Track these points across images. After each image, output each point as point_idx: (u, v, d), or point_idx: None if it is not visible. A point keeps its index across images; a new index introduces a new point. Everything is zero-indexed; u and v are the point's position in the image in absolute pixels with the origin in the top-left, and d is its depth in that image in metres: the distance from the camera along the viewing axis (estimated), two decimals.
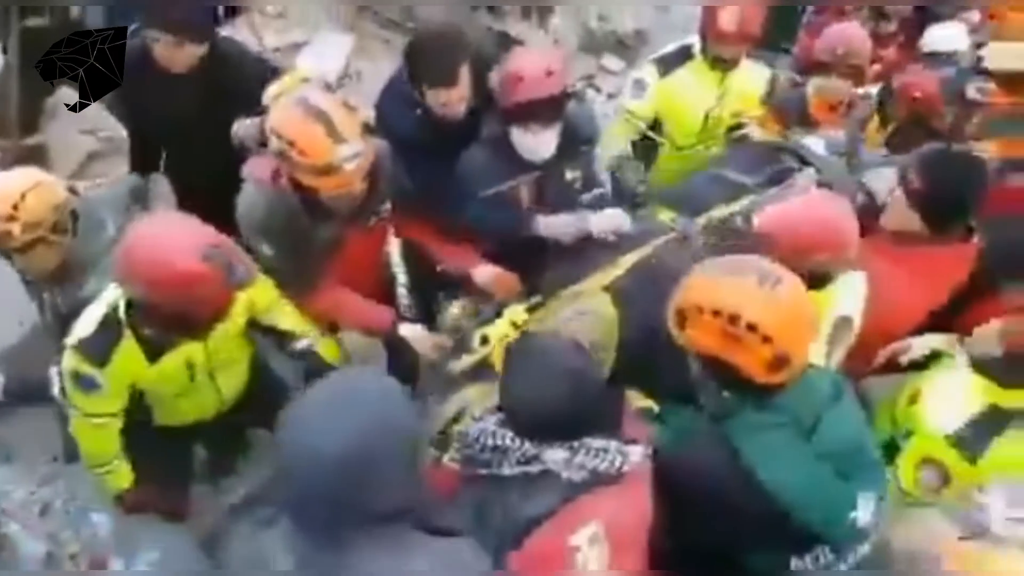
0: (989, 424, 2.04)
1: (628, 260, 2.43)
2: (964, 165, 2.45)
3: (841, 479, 1.68)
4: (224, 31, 3.64)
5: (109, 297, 2.14)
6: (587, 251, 2.57)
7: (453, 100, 2.60)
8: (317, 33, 6.29)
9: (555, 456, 1.61)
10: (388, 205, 2.57)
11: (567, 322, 2.35)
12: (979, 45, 3.89)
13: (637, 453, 1.67)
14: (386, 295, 2.80)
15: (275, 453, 1.37)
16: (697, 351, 1.72)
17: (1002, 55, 3.41)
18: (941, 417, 2.11)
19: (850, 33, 3.31)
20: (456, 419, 2.21)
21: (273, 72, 2.94)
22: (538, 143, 2.53)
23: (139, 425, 2.36)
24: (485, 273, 2.56)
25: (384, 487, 1.26)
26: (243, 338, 2.41)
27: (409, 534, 1.31)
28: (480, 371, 2.44)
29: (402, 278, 2.85)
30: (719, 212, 2.50)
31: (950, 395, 2.14)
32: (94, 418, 2.24)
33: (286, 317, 2.41)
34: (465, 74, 2.57)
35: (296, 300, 2.43)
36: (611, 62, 6.37)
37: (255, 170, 2.33)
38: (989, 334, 2.11)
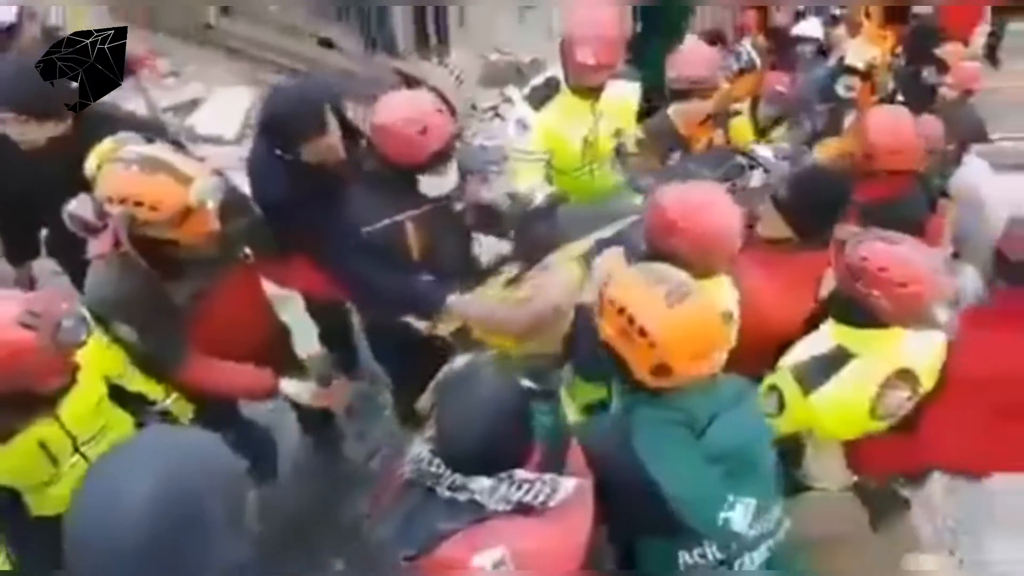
0: (830, 363, 2.12)
1: (598, 235, 2.53)
2: (827, 178, 2.58)
3: (726, 481, 1.71)
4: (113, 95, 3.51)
5: None
6: (559, 228, 2.70)
7: (332, 144, 2.60)
8: (213, 89, 6.21)
9: (481, 486, 1.59)
10: (247, 251, 2.50)
11: (532, 279, 2.52)
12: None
13: (570, 486, 1.64)
14: (273, 345, 2.72)
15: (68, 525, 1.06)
16: (603, 339, 1.80)
17: (859, 51, 3.63)
18: (794, 352, 2.22)
19: (694, 58, 3.35)
20: None
21: (159, 132, 2.87)
22: (443, 180, 2.57)
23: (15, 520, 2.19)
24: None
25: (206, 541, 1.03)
26: (112, 406, 2.19)
27: None
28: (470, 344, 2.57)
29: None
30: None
31: (812, 336, 2.25)
32: None
33: (137, 379, 2.25)
34: (331, 119, 2.57)
35: (165, 378, 2.30)
36: (514, 92, 6.48)
37: (97, 248, 2.23)
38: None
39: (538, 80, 3.17)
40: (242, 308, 2.51)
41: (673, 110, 3.28)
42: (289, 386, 2.49)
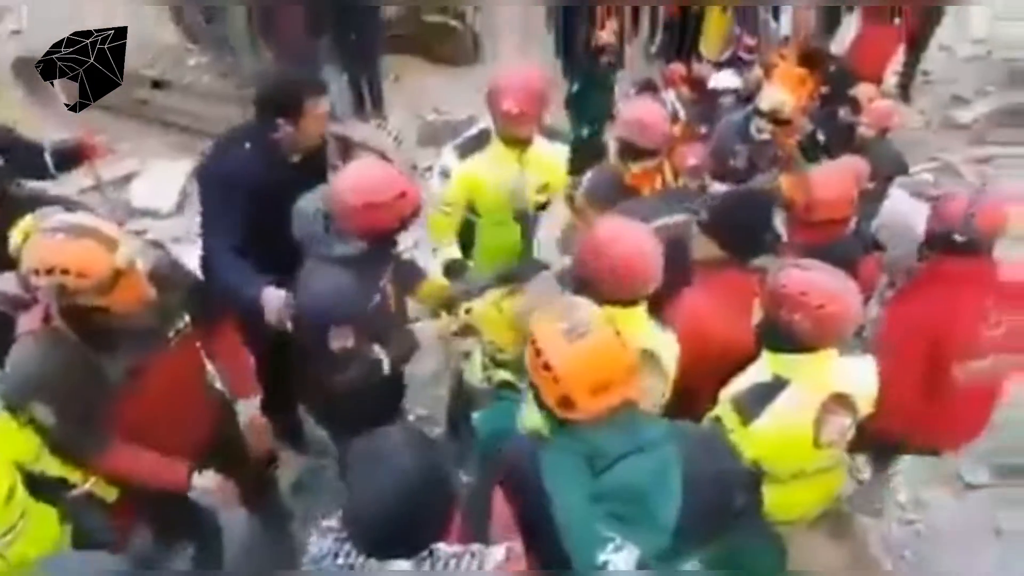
0: (766, 391, 2.19)
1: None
2: (744, 197, 2.75)
3: (616, 524, 1.69)
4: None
5: None
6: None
7: (324, 113, 2.74)
8: (148, 163, 6.16)
9: (401, 568, 1.52)
10: (187, 320, 2.41)
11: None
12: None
13: (499, 555, 1.59)
14: (211, 420, 2.63)
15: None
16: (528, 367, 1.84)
17: (768, 97, 3.81)
18: (735, 382, 2.29)
19: (640, 116, 3.28)
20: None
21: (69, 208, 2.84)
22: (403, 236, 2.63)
23: None
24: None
25: None
26: (27, 495, 2.08)
27: None
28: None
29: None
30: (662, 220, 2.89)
31: (750, 367, 2.31)
32: None
33: (54, 463, 2.15)
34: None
35: (82, 464, 2.22)
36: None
37: (26, 324, 2.16)
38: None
39: (471, 132, 3.25)
40: (181, 382, 2.43)
41: (635, 169, 3.25)
42: (200, 479, 2.36)
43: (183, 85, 6.59)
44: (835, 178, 3.14)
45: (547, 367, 1.73)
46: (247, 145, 2.78)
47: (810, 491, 2.44)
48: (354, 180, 2.39)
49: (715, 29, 7.03)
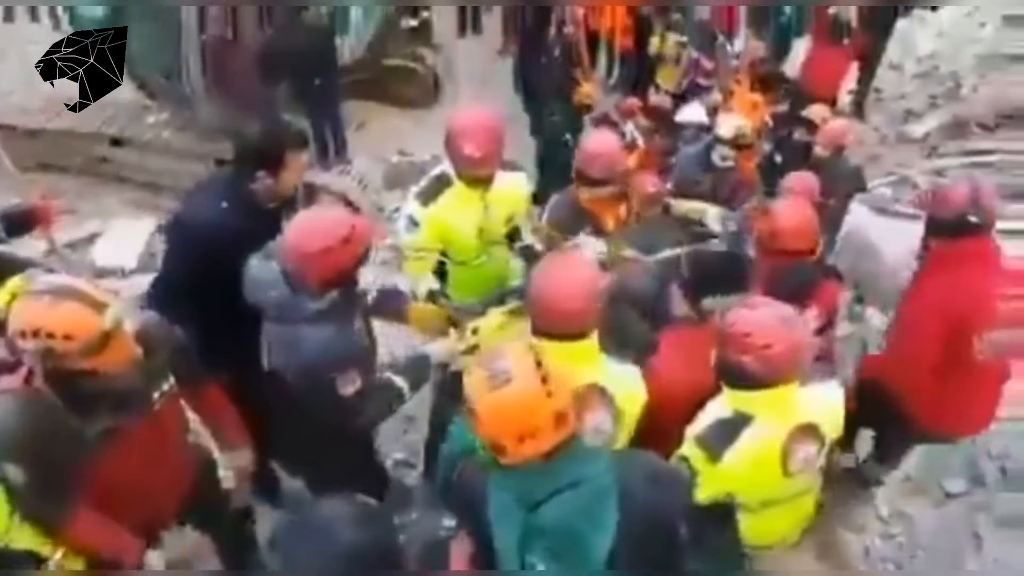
0: (730, 428, 2.19)
1: None
2: (718, 258, 2.72)
3: (549, 559, 1.70)
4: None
5: None
6: None
7: (301, 163, 2.71)
8: (110, 222, 6.11)
9: None
10: (172, 380, 2.36)
11: None
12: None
13: None
14: (190, 478, 2.57)
15: None
16: None
17: (727, 124, 3.87)
18: (699, 421, 2.29)
19: (591, 147, 3.40)
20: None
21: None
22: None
23: None
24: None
25: None
26: None
27: None
28: None
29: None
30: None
31: (711, 405, 2.32)
32: None
33: (24, 533, 2.09)
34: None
35: (47, 528, 2.16)
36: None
37: (6, 383, 2.11)
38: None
39: (429, 177, 3.26)
40: (161, 443, 2.38)
41: (581, 193, 3.40)
42: (150, 556, 2.34)
43: (143, 142, 6.59)
44: (797, 210, 3.21)
45: (472, 413, 1.71)
46: (222, 199, 2.73)
47: (785, 517, 2.45)
48: (304, 230, 2.37)
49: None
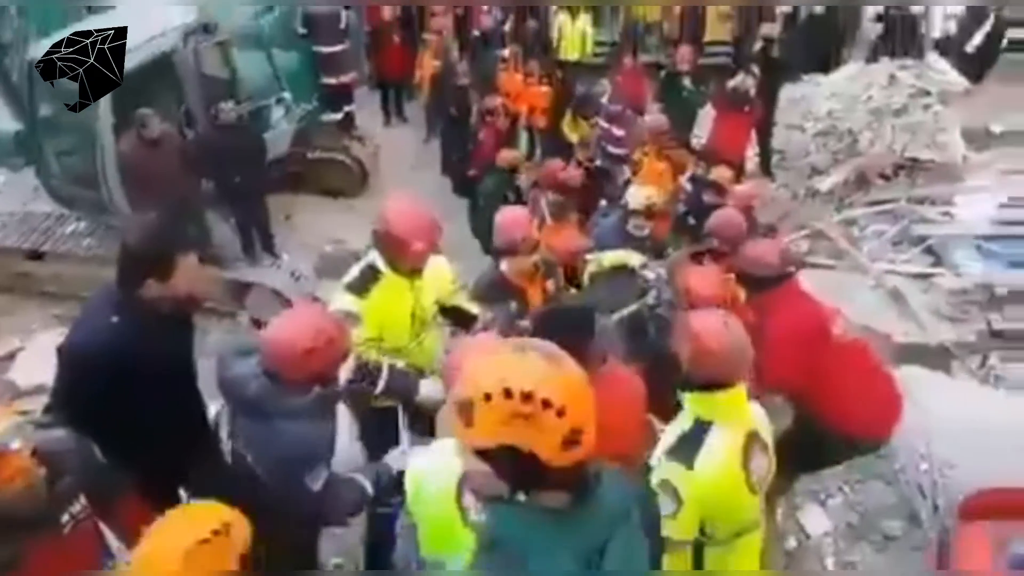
0: (695, 436, 2.29)
1: None
2: (566, 315, 2.72)
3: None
4: None
5: None
6: None
7: (192, 263, 2.63)
8: (31, 337, 5.92)
9: None
10: (83, 502, 2.27)
11: None
12: None
13: None
14: None
15: None
16: (486, 445, 1.45)
17: (636, 196, 4.09)
18: (663, 440, 2.40)
19: (503, 219, 3.67)
20: None
21: None
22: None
23: None
24: None
25: None
26: None
27: None
28: None
29: None
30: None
31: (672, 423, 2.43)
32: None
33: None
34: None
35: None
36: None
37: None
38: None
39: (354, 271, 3.26)
40: (74, 567, 2.24)
41: (504, 265, 3.64)
42: None
43: (61, 253, 6.47)
44: (709, 277, 3.36)
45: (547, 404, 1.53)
46: (112, 314, 2.62)
47: (744, 556, 2.44)
48: (289, 330, 2.38)
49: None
